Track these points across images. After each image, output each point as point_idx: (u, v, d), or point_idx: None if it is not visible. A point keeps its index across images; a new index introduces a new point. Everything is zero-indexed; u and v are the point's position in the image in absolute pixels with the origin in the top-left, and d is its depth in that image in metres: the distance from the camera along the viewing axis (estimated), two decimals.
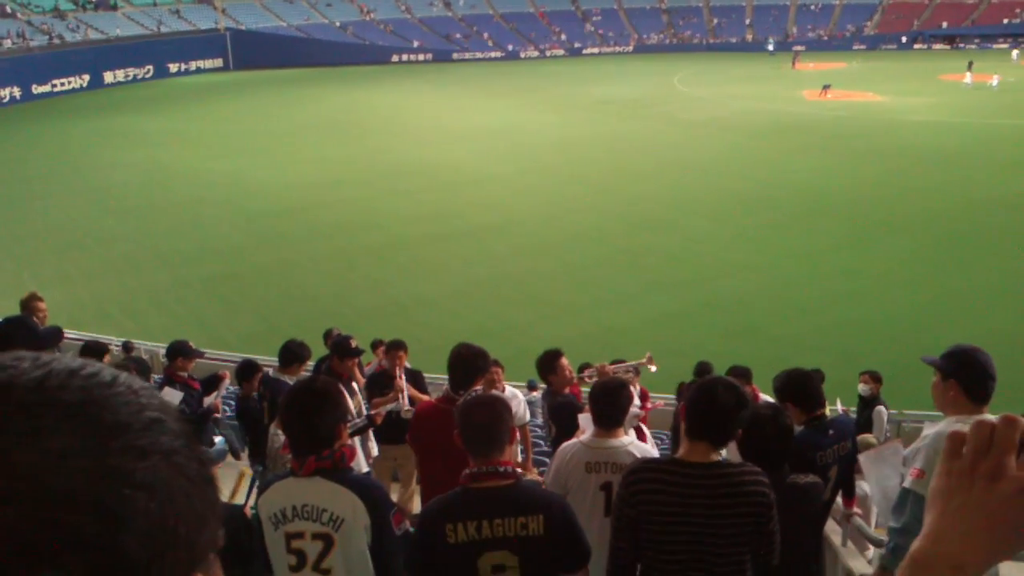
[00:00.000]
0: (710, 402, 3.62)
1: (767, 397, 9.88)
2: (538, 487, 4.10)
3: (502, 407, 3.83)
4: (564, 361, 7.25)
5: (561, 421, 6.94)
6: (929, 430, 4.41)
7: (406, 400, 8.25)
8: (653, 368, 7.88)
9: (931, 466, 4.12)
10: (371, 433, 7.89)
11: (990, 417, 1.16)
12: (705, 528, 3.60)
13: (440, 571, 3.66)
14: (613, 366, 7.43)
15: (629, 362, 7.93)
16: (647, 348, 9.64)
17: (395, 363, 8.62)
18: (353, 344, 8.15)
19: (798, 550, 4.43)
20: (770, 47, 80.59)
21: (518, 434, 4.52)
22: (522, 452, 7.64)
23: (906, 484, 4.34)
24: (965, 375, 4.20)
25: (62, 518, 0.69)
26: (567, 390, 7.23)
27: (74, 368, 0.78)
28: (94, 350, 8.55)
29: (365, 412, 7.67)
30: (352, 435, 4.85)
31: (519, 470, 3.85)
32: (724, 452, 3.88)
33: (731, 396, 3.62)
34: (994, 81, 53.74)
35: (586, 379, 7.43)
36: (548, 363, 7.20)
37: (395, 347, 8.80)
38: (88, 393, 0.76)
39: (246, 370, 8.75)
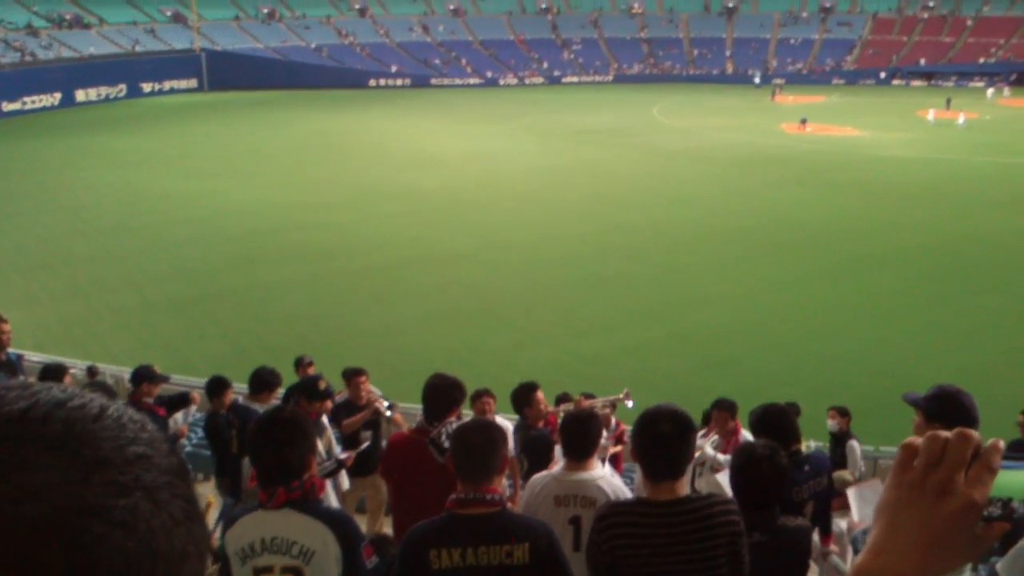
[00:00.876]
0: (655, 440, 3.55)
1: (747, 433, 9.75)
2: (525, 516, 3.99)
3: (498, 434, 3.81)
4: (540, 395, 7.23)
5: (533, 455, 6.92)
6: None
7: (383, 404, 8.23)
8: (630, 404, 7.77)
9: None
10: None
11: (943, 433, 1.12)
12: (681, 564, 3.55)
13: None
14: (590, 401, 7.31)
15: (606, 397, 7.81)
16: (622, 377, 9.47)
17: (358, 391, 8.50)
18: (322, 387, 7.98)
19: None
20: (756, 79, 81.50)
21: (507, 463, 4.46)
22: (510, 485, 7.52)
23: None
24: (951, 419, 4.11)
25: (35, 553, 0.68)
26: (542, 423, 7.16)
27: (61, 400, 0.76)
28: (53, 372, 8.36)
29: (338, 452, 7.58)
30: (323, 477, 4.72)
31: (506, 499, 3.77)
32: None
33: (672, 427, 3.53)
34: (960, 119, 54.40)
35: (562, 412, 7.30)
36: (523, 396, 7.20)
37: (354, 374, 8.74)
38: (71, 427, 0.74)
39: (216, 386, 8.50)
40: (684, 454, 3.60)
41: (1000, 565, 4.76)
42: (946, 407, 4.12)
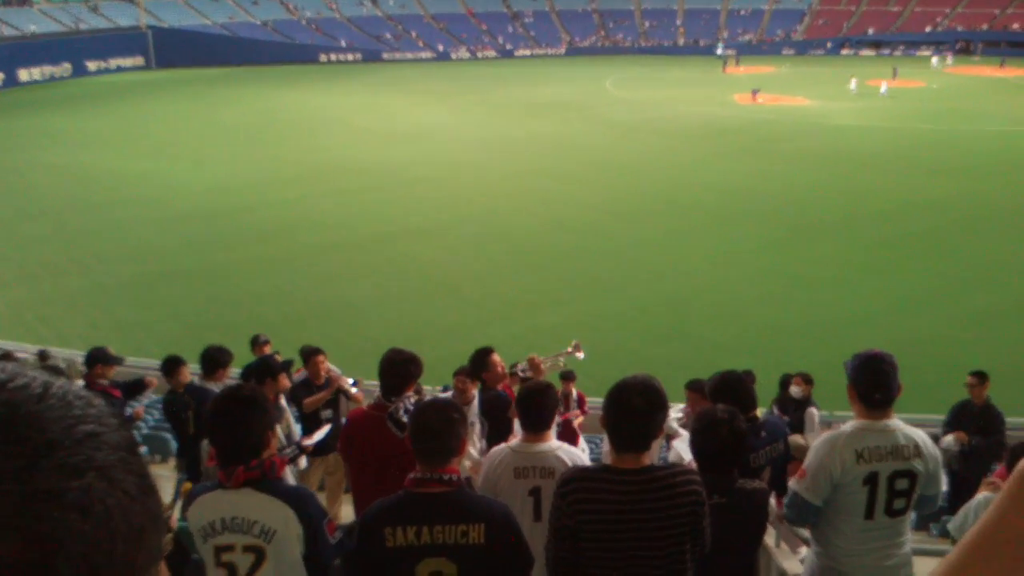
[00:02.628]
0: (625, 412, 3.58)
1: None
2: (482, 496, 4.04)
3: (456, 414, 3.80)
4: (496, 357, 7.33)
5: (493, 416, 7.01)
6: (821, 436, 4.54)
7: (347, 381, 8.26)
8: (580, 355, 7.90)
9: (813, 469, 4.30)
10: None
11: None
12: (643, 532, 3.59)
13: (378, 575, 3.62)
14: (542, 358, 7.42)
15: (558, 352, 7.94)
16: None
17: (317, 369, 8.54)
18: (279, 359, 8.01)
19: (743, 554, 4.51)
20: (719, 50, 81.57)
21: (467, 445, 4.51)
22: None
23: (791, 483, 4.48)
24: (857, 382, 4.31)
25: None
26: (500, 387, 7.28)
27: (1, 381, 0.74)
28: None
29: (298, 436, 7.60)
30: (285, 463, 4.74)
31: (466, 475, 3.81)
32: (683, 455, 3.86)
33: (645, 401, 3.55)
34: (883, 88, 55.26)
35: (519, 373, 7.42)
36: (480, 360, 7.31)
37: (312, 353, 8.79)
38: (15, 410, 0.72)
39: (170, 364, 8.49)
40: (653, 428, 3.64)
41: (951, 524, 4.94)
42: (856, 372, 4.30)
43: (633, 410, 3.55)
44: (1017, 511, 1.12)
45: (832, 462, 4.21)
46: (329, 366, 8.87)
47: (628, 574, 3.65)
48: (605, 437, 4.98)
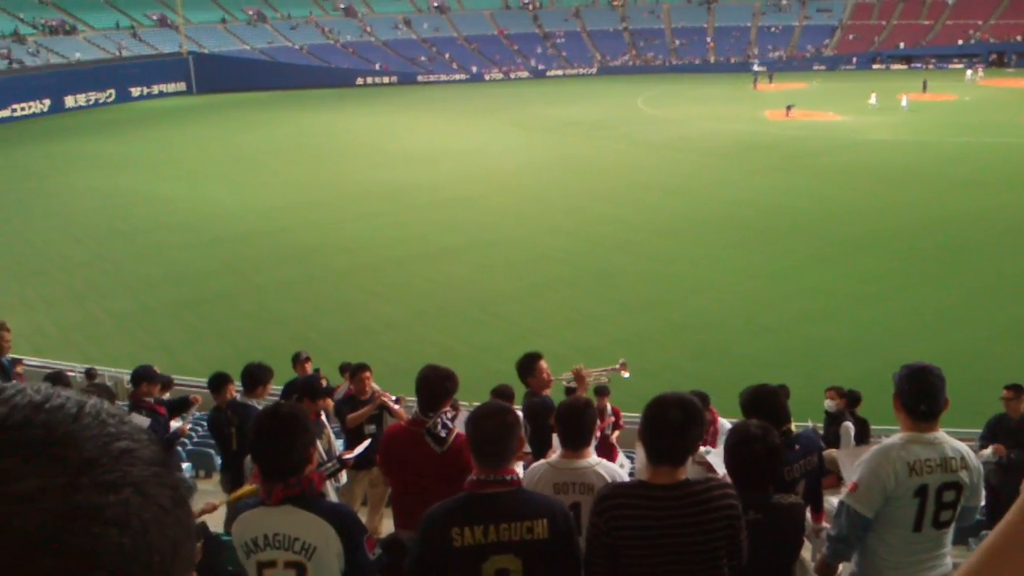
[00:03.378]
0: (662, 425, 3.62)
1: (725, 420, 9.96)
2: (541, 494, 4.12)
3: (513, 418, 3.88)
4: (543, 363, 7.32)
5: (536, 422, 7.03)
6: (873, 447, 4.51)
7: (391, 398, 8.35)
8: (626, 374, 7.95)
9: (866, 482, 4.27)
10: None
11: None
12: (681, 547, 3.61)
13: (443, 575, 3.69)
14: (588, 370, 7.48)
15: (603, 368, 8.00)
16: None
17: (363, 385, 8.69)
18: (323, 384, 8.16)
19: (780, 570, 4.44)
20: (755, 66, 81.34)
21: (524, 443, 4.55)
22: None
23: (842, 496, 4.47)
24: (904, 393, 4.30)
25: (32, 562, 0.68)
26: (547, 392, 7.31)
27: (38, 403, 0.76)
28: (56, 382, 8.37)
29: (338, 450, 7.69)
30: (327, 477, 4.83)
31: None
32: (717, 468, 3.86)
33: (680, 414, 3.60)
34: (903, 102, 54.84)
35: (564, 382, 7.48)
36: (527, 365, 7.29)
37: (359, 370, 8.91)
38: (52, 430, 0.74)
39: (218, 381, 8.66)
40: (690, 441, 3.66)
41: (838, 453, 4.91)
42: (903, 383, 4.29)
43: (670, 423, 3.59)
44: None
45: (886, 474, 4.21)
46: (372, 382, 9.01)
47: None
48: (639, 451, 5.01)
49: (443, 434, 5.28)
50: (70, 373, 15.15)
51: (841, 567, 6.23)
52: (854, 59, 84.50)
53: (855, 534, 4.49)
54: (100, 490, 0.73)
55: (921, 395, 4.25)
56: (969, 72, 71.97)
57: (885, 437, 4.55)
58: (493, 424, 3.77)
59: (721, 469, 4.66)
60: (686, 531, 3.60)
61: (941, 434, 4.29)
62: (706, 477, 3.93)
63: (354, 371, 8.99)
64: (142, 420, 7.84)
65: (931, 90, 60.88)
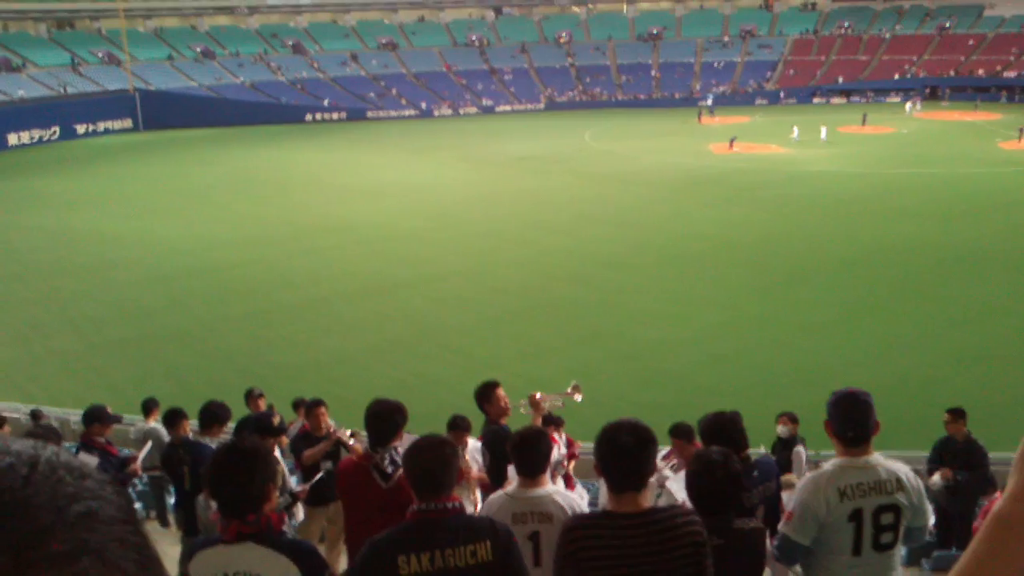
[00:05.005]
0: (616, 451, 3.65)
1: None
2: (482, 516, 4.11)
3: (450, 450, 3.87)
4: (500, 392, 7.37)
5: (494, 449, 7.03)
6: (804, 477, 4.59)
7: (346, 433, 8.28)
8: (579, 397, 8.00)
9: (799, 511, 4.34)
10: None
11: None
12: (645, 574, 3.62)
13: None
14: (542, 395, 7.54)
15: (556, 393, 8.05)
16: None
17: (318, 421, 8.62)
18: (276, 422, 8.09)
19: None
20: (709, 101, 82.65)
21: (464, 475, 4.53)
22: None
23: (779, 525, 4.54)
24: (834, 419, 4.38)
25: None
26: (504, 420, 7.34)
27: None
28: None
29: (292, 486, 7.62)
30: (279, 512, 4.77)
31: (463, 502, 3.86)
32: (676, 495, 3.88)
33: (631, 438, 3.62)
34: (822, 133, 56.51)
35: (520, 409, 7.52)
36: (484, 393, 7.34)
37: (314, 406, 8.84)
38: None
39: (173, 416, 8.55)
40: (645, 465, 3.67)
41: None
42: (831, 409, 4.37)
43: (623, 448, 3.61)
44: (995, 558, 1.11)
45: (816, 502, 4.26)
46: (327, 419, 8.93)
47: None
48: (602, 482, 5.03)
49: (389, 470, 5.27)
50: (13, 415, 14.89)
51: None
52: (781, 94, 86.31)
53: (794, 561, 4.56)
54: (53, 565, 0.65)
55: (848, 421, 4.32)
56: (908, 104, 73.92)
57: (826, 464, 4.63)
58: (430, 457, 3.77)
59: (681, 495, 4.69)
60: (651, 559, 3.61)
61: (875, 457, 4.35)
62: (670, 505, 3.94)
63: (309, 407, 8.91)
64: (91, 459, 7.71)
65: (870, 122, 62.40)
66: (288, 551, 3.70)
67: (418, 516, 3.71)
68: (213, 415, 8.26)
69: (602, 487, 4.95)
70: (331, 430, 8.55)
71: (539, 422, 7.38)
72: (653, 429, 3.77)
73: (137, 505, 10.68)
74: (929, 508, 4.46)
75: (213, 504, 4.08)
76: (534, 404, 7.36)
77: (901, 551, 4.57)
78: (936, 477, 9.60)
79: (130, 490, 10.24)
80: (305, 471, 8.43)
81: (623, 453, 3.63)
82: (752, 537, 4.41)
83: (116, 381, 19.82)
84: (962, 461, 9.73)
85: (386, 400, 5.56)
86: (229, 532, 3.65)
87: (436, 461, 3.76)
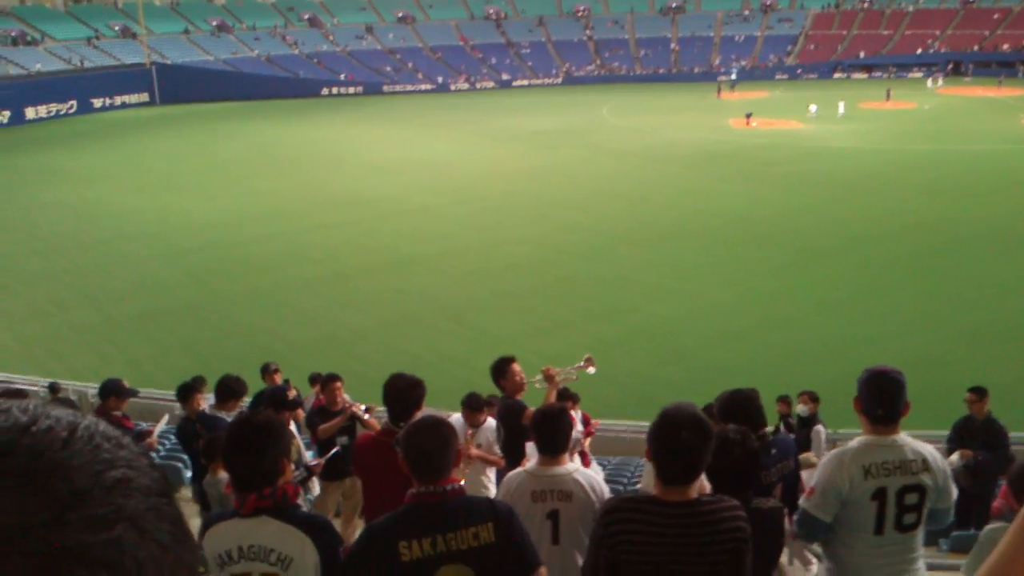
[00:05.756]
0: (674, 447, 3.55)
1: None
2: (484, 496, 4.07)
3: (448, 432, 3.80)
4: (516, 367, 7.35)
5: (509, 424, 7.04)
6: (828, 453, 4.54)
7: (361, 408, 8.27)
8: (592, 370, 7.97)
9: (821, 486, 4.31)
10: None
11: None
12: (684, 565, 3.58)
13: None
14: (556, 369, 7.51)
15: (570, 366, 8.02)
16: (585, 373, 9.65)
17: (334, 396, 8.63)
18: (291, 396, 8.09)
19: (760, 573, 4.44)
20: (733, 75, 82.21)
21: (463, 457, 4.49)
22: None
23: (800, 501, 4.49)
24: (864, 397, 4.34)
25: None
26: (520, 395, 7.33)
27: (23, 424, 0.69)
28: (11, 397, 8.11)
29: (307, 460, 7.63)
30: (294, 486, 4.72)
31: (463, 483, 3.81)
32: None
33: (695, 436, 3.52)
34: (840, 109, 56.31)
35: (536, 384, 7.50)
36: (500, 368, 7.34)
37: (329, 380, 8.85)
38: (38, 457, 0.67)
39: (186, 390, 8.58)
40: (702, 461, 3.59)
41: (963, 567, 4.93)
42: (861, 387, 4.32)
43: (681, 445, 3.50)
44: None
45: (840, 478, 4.22)
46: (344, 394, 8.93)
47: None
48: (647, 467, 4.96)
49: None
50: (32, 388, 14.97)
51: (815, 569, 6.30)
52: (803, 72, 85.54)
53: (814, 537, 4.54)
54: (90, 527, 0.65)
55: (879, 399, 4.27)
56: (929, 81, 73.14)
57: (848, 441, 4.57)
58: (428, 438, 3.71)
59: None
60: (691, 550, 3.56)
61: (902, 436, 4.30)
62: (717, 496, 3.87)
63: (324, 382, 8.93)
64: None
65: (893, 98, 61.82)
66: (303, 525, 3.68)
67: (417, 500, 3.65)
68: (230, 389, 8.28)
69: (648, 471, 4.88)
70: (346, 405, 8.56)
71: (554, 396, 7.36)
72: (709, 422, 3.67)
73: None
74: (954, 490, 4.41)
75: (223, 476, 4.05)
76: (548, 378, 7.34)
77: (922, 531, 4.52)
78: (955, 457, 9.52)
79: None
80: (320, 445, 8.44)
81: (681, 450, 3.53)
82: (771, 516, 4.37)
83: (135, 355, 19.94)
84: (982, 441, 9.65)
85: (405, 375, 5.55)
86: (247, 506, 3.62)
87: (434, 443, 3.69)
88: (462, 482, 3.87)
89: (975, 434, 9.72)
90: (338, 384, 8.76)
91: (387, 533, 3.60)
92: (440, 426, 3.84)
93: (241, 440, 3.70)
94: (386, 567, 3.55)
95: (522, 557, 3.70)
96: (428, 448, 3.67)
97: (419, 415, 5.45)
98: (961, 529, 9.40)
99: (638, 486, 6.82)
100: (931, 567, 4.66)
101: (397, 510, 3.69)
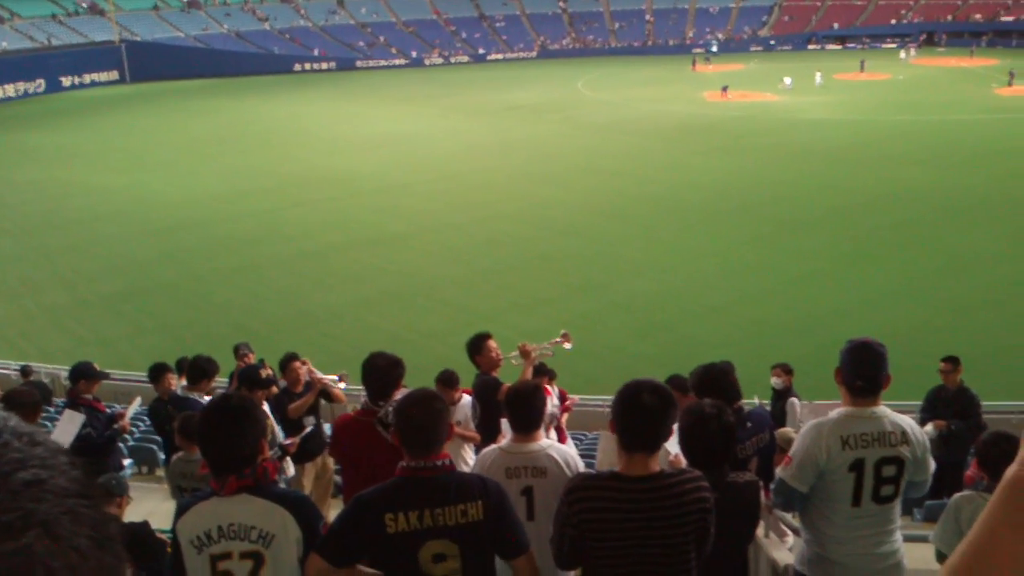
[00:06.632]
0: (637, 410, 3.56)
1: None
2: (474, 474, 4.04)
3: (440, 405, 3.78)
4: (491, 343, 7.36)
5: (484, 399, 7.07)
6: (807, 423, 4.53)
7: (329, 380, 8.21)
8: (568, 346, 7.95)
9: (799, 456, 4.30)
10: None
11: None
12: (650, 539, 3.58)
13: (377, 562, 3.59)
14: (532, 345, 7.49)
15: (547, 342, 8.00)
16: (561, 349, 9.61)
17: (295, 376, 8.53)
18: (263, 375, 8.01)
19: (737, 548, 4.45)
20: (714, 48, 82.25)
21: (455, 429, 4.45)
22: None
23: (777, 470, 4.49)
24: (844, 368, 4.32)
25: None
26: (495, 372, 7.32)
27: None
28: None
29: (281, 440, 7.59)
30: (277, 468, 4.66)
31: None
32: (670, 447, 3.80)
33: (656, 399, 3.55)
34: (817, 78, 56.75)
35: (512, 361, 7.48)
36: (475, 345, 7.36)
37: (286, 362, 8.77)
38: None
39: (156, 371, 8.49)
40: (663, 427, 3.59)
41: (932, 535, 4.94)
42: (842, 358, 4.31)
43: (645, 408, 3.53)
44: (1011, 526, 1.04)
45: (817, 449, 4.22)
46: (311, 368, 8.84)
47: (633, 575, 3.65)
48: (603, 440, 4.95)
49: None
50: (3, 372, 14.82)
51: (791, 542, 6.30)
52: (796, 39, 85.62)
53: (791, 507, 4.54)
54: None
55: (859, 370, 4.26)
56: (903, 52, 73.33)
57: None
58: (420, 411, 3.67)
59: (674, 449, 4.62)
60: (657, 524, 3.56)
61: (881, 408, 4.29)
62: (679, 469, 3.85)
63: (283, 363, 8.82)
64: (78, 417, 7.63)
65: (867, 70, 61.97)
66: (284, 501, 3.65)
67: (407, 473, 3.62)
68: (201, 369, 8.18)
69: (604, 443, 4.87)
70: (313, 380, 8.46)
71: (530, 372, 7.36)
72: (671, 392, 3.68)
73: (128, 461, 10.62)
74: (932, 463, 4.41)
75: (199, 456, 3.98)
76: (524, 354, 7.33)
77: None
78: (929, 427, 9.58)
79: (121, 445, 10.17)
80: (288, 426, 8.38)
81: (644, 413, 3.54)
82: (747, 491, 4.34)
83: (108, 336, 19.77)
84: (955, 410, 9.72)
85: (384, 354, 5.52)
86: (228, 487, 3.57)
87: (427, 416, 3.66)
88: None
89: (948, 403, 9.79)
90: (296, 364, 8.65)
91: (374, 504, 3.58)
92: (433, 399, 3.81)
93: (216, 425, 3.63)
94: (370, 538, 3.54)
95: (509, 538, 3.68)
96: (421, 421, 3.64)
97: (397, 394, 5.43)
98: (934, 498, 9.48)
99: (595, 463, 6.83)
100: (906, 538, 4.66)
101: (387, 482, 3.66)
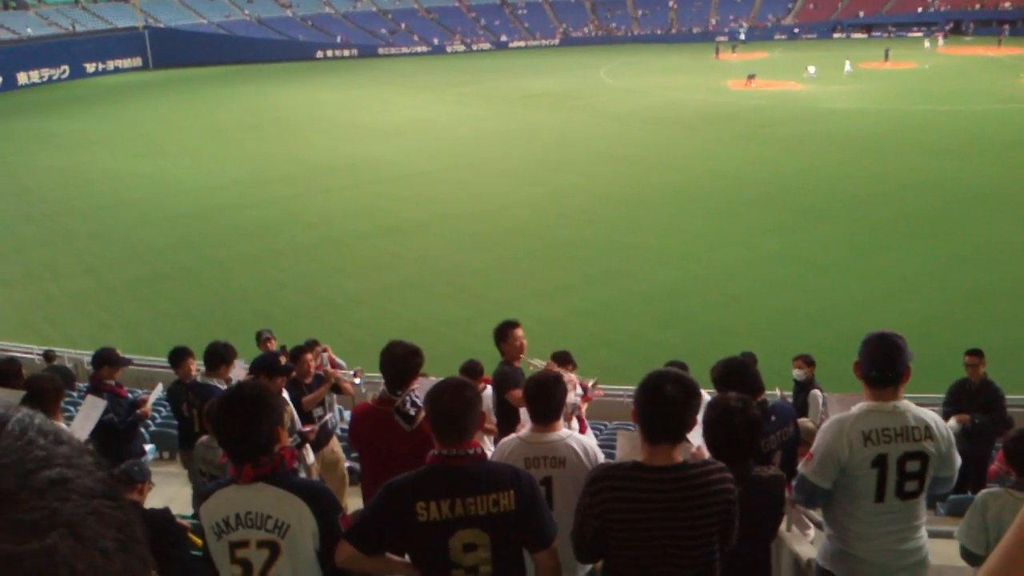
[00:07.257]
0: (659, 401, 3.52)
1: (704, 392, 9.95)
2: (506, 464, 4.03)
3: (472, 393, 3.78)
4: (518, 332, 7.36)
5: (498, 390, 7.11)
6: (829, 419, 4.49)
7: (341, 375, 8.20)
8: (598, 394, 7.89)
9: (820, 452, 4.26)
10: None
11: None
12: (674, 531, 3.56)
13: (407, 550, 3.61)
14: (561, 369, 7.43)
15: (580, 379, 7.93)
16: (584, 337, 9.57)
17: (304, 368, 8.54)
18: (283, 362, 8.01)
19: (761, 542, 4.42)
20: (741, 35, 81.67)
21: (486, 418, 4.43)
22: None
23: (799, 466, 4.44)
24: (862, 360, 4.27)
25: None
26: (518, 362, 7.31)
27: None
28: (4, 373, 7.57)
29: (300, 427, 7.60)
30: (296, 455, 4.65)
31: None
32: (693, 439, 3.78)
33: (679, 390, 3.50)
34: (847, 67, 56.03)
35: (530, 365, 7.47)
36: (502, 331, 7.34)
37: (298, 353, 8.75)
38: None
39: (176, 356, 8.46)
40: (687, 418, 3.55)
41: (956, 532, 4.88)
42: (862, 351, 4.26)
43: (667, 399, 3.49)
44: None
45: (839, 444, 4.18)
46: (332, 356, 8.83)
47: (656, 572, 3.64)
48: (622, 439, 4.92)
49: (412, 412, 5.14)
50: (27, 356, 14.92)
51: (813, 535, 6.25)
52: (797, 31, 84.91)
53: (814, 504, 4.50)
54: (18, 534, 0.58)
55: (876, 362, 4.20)
56: (928, 41, 72.53)
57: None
58: (452, 399, 3.67)
59: (697, 441, 4.58)
60: (681, 515, 3.53)
61: (904, 403, 4.23)
62: (703, 460, 3.81)
63: (294, 354, 8.81)
64: (99, 403, 7.64)
65: (892, 58, 61.31)
66: (301, 492, 3.65)
67: (439, 461, 3.62)
68: (218, 355, 8.15)
69: (623, 441, 4.82)
70: (327, 372, 8.44)
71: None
72: (697, 382, 3.63)
73: (150, 447, 10.68)
74: (957, 458, 4.33)
75: (217, 451, 3.99)
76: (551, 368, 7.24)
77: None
78: (953, 421, 9.47)
79: (143, 431, 10.21)
80: (302, 417, 8.38)
81: (667, 404, 3.50)
82: (771, 485, 4.30)
83: (131, 321, 19.89)
84: (978, 404, 9.61)
85: (403, 342, 5.45)
86: (245, 476, 3.59)
87: (458, 404, 3.66)
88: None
89: (971, 397, 9.68)
90: (308, 356, 8.64)
91: (405, 492, 3.58)
92: (464, 387, 3.82)
93: (232, 413, 3.64)
94: (401, 526, 3.54)
95: (539, 528, 3.67)
96: (452, 409, 3.64)
97: (415, 384, 5.40)
98: (958, 492, 9.39)
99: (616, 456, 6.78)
100: (929, 533, 4.60)
101: (418, 470, 3.66)
